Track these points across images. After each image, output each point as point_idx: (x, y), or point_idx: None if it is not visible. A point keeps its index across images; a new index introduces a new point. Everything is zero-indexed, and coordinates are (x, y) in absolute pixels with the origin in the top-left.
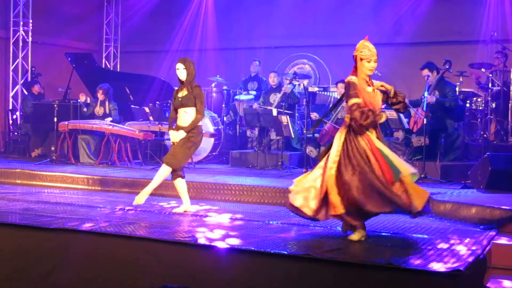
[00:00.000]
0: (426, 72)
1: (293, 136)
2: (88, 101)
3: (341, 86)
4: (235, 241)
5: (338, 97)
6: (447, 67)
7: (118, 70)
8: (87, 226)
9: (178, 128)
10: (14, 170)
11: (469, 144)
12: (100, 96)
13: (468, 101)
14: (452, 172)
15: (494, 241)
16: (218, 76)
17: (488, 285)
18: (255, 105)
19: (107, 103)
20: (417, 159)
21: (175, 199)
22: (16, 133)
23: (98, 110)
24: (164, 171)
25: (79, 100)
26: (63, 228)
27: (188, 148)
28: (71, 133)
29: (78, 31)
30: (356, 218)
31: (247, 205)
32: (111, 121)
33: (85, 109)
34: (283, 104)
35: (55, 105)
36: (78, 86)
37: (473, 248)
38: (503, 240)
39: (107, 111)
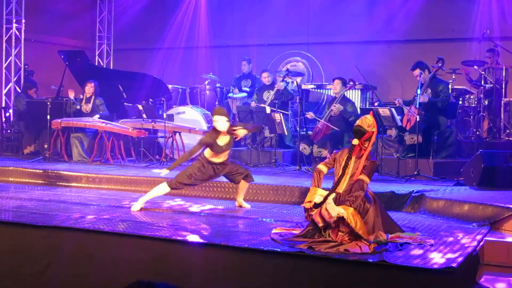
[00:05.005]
0: (417, 72)
1: (286, 133)
2: (81, 96)
3: (337, 82)
4: (228, 238)
5: (334, 93)
6: (439, 65)
7: (111, 68)
8: (80, 223)
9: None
10: (7, 168)
11: (461, 141)
12: (89, 90)
13: (460, 99)
14: (444, 169)
15: (487, 238)
16: (211, 73)
17: (480, 281)
18: (253, 104)
19: (93, 99)
20: (410, 156)
21: (171, 197)
22: (9, 131)
23: (85, 107)
24: None
25: (72, 98)
26: (57, 226)
27: None
28: (64, 130)
29: (71, 29)
30: None
31: None
32: (102, 116)
33: (78, 106)
34: (277, 101)
35: (48, 103)
36: (71, 84)
37: (466, 245)
38: (495, 237)
39: (95, 107)
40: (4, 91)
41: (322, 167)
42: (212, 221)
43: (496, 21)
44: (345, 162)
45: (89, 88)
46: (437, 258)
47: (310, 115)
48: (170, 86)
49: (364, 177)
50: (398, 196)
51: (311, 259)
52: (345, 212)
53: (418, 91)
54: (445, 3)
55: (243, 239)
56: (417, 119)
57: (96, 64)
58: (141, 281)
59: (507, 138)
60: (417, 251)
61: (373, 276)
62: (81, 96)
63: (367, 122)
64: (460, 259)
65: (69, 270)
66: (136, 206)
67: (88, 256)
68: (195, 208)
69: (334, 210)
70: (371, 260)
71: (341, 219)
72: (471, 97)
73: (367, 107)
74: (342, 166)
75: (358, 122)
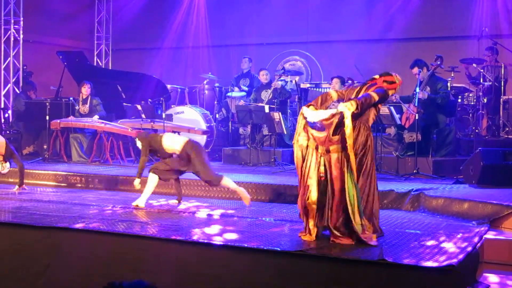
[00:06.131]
0: (416, 70)
1: (285, 132)
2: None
3: (335, 81)
4: (228, 238)
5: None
6: (438, 63)
7: (110, 68)
8: (80, 224)
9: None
10: None
11: (461, 140)
12: (86, 91)
13: (459, 97)
14: (444, 168)
15: (486, 236)
16: (210, 73)
17: (480, 280)
18: (241, 102)
19: (89, 99)
20: (409, 155)
21: (171, 197)
22: (8, 132)
23: (83, 108)
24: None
25: (71, 98)
26: (56, 227)
27: None
28: (63, 131)
29: (69, 29)
30: None
31: (240, 202)
32: (100, 117)
33: (77, 107)
34: (275, 100)
35: (47, 104)
36: (70, 85)
37: (466, 243)
38: (495, 235)
39: (92, 108)
40: (3, 92)
41: (332, 92)
42: (211, 221)
43: (494, 19)
44: (356, 94)
45: (86, 90)
46: (436, 256)
47: None
48: (169, 86)
49: (373, 93)
50: (397, 194)
51: (311, 259)
52: (346, 109)
53: (417, 89)
54: (443, 1)
55: (243, 239)
56: (416, 117)
57: (95, 64)
58: (112, 282)
59: (506, 136)
60: (416, 249)
61: (373, 275)
62: (78, 98)
63: (397, 75)
64: (460, 257)
65: (69, 270)
66: (140, 202)
67: (88, 256)
68: (194, 208)
69: (328, 112)
70: (371, 259)
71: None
72: (470, 95)
73: None
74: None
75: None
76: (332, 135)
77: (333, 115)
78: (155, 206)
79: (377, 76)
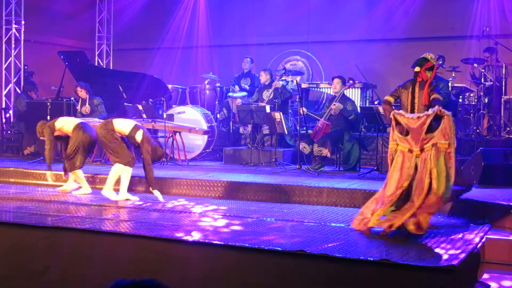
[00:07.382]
0: (418, 69)
1: (286, 132)
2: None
3: (336, 81)
4: (228, 238)
5: (333, 92)
6: (440, 62)
7: (111, 68)
8: (80, 223)
9: None
10: (7, 169)
11: (462, 139)
12: (82, 94)
13: (460, 96)
14: None
15: (487, 236)
16: (211, 73)
17: (481, 279)
18: (238, 101)
19: (89, 99)
20: None
21: (172, 197)
22: (9, 132)
23: (84, 108)
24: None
25: (72, 98)
26: (57, 226)
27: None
28: None
29: (70, 29)
30: None
31: (241, 202)
32: (101, 118)
33: (78, 108)
34: (276, 100)
35: (48, 104)
36: (71, 85)
37: (466, 243)
38: (496, 235)
39: (93, 107)
40: (4, 92)
41: (389, 98)
42: (212, 221)
43: (495, 19)
44: (411, 94)
45: (81, 92)
46: (438, 256)
47: (303, 110)
48: (170, 86)
49: (437, 95)
50: None
51: (311, 258)
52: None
53: None
54: (444, 1)
55: (244, 238)
56: None
57: (96, 64)
58: (120, 281)
59: (507, 136)
60: (418, 249)
61: (373, 275)
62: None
63: (430, 55)
64: (461, 257)
65: (69, 270)
66: (121, 196)
67: (88, 256)
68: (196, 208)
69: (416, 114)
70: (372, 259)
71: None
72: (471, 95)
73: (367, 105)
74: (409, 100)
75: (422, 55)
76: (426, 134)
77: (419, 118)
78: (156, 206)
79: (418, 69)
